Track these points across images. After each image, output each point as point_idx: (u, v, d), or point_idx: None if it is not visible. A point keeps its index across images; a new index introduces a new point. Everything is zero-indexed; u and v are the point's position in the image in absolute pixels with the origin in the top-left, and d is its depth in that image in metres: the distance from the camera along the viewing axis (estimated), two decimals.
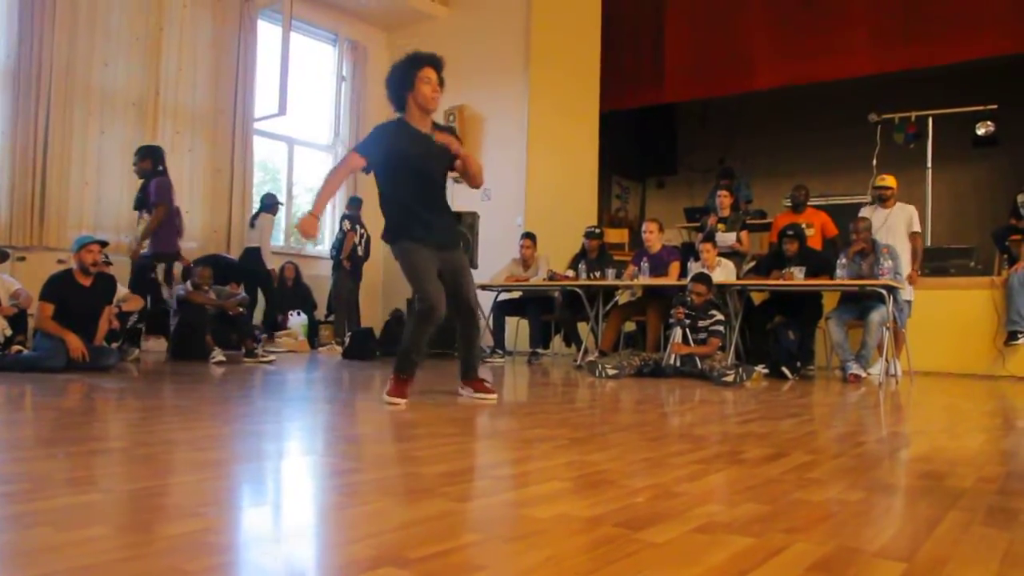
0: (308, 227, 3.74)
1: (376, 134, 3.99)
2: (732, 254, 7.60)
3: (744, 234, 7.90)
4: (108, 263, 6.42)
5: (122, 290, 6.28)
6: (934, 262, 7.89)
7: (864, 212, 7.06)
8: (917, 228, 7.11)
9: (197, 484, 2.02)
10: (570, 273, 7.76)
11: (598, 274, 7.48)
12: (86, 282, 5.68)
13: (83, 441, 2.63)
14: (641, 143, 12.88)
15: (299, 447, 2.78)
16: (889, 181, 7.17)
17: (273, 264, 8.92)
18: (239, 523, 1.72)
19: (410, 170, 3.89)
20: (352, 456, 2.53)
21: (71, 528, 1.54)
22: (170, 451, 2.49)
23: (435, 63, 3.95)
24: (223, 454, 2.48)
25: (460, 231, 4.09)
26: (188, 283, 7.04)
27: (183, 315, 6.85)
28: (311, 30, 10.43)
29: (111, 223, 8.05)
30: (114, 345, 6.01)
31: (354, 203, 9.14)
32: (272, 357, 6.92)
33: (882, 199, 7.11)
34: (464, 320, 4.10)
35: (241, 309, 7.14)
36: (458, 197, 10.17)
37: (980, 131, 8.53)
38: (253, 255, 8.72)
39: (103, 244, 5.85)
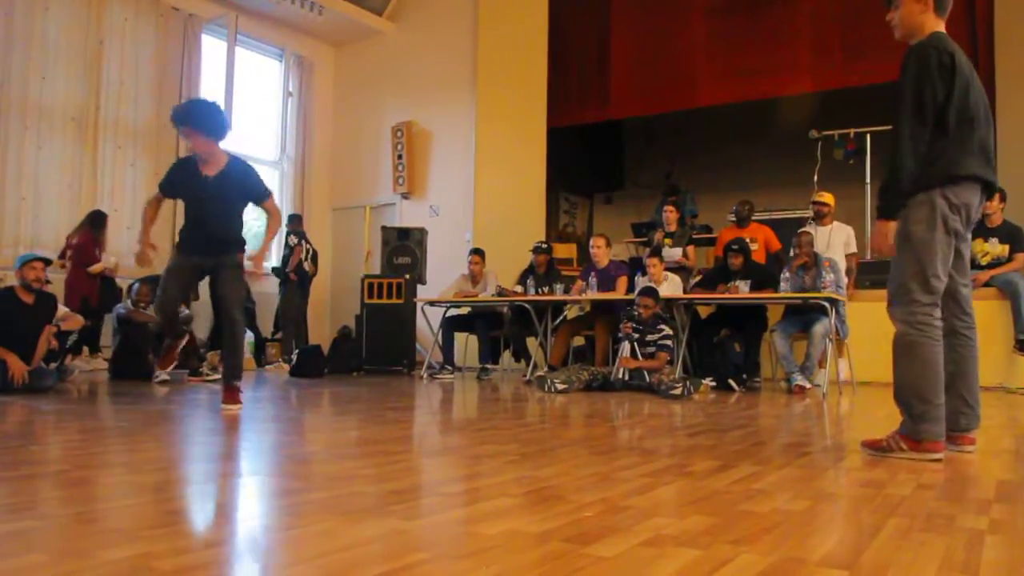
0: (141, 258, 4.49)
1: (171, 170, 4.79)
2: (679, 269, 7.70)
3: (690, 249, 8.01)
4: (47, 281, 6.26)
5: (62, 309, 6.12)
6: (872, 275, 8.07)
7: (805, 229, 7.20)
8: (854, 249, 7.30)
9: (139, 507, 1.98)
10: (519, 288, 7.78)
11: (546, 289, 7.51)
12: (28, 300, 5.55)
13: (20, 465, 2.55)
14: (589, 159, 13.00)
15: (245, 467, 2.73)
16: (826, 198, 7.35)
17: None
18: (183, 547, 1.68)
19: (189, 199, 4.57)
20: (299, 475, 2.50)
21: (7, 556, 1.50)
22: (111, 474, 2.43)
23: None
24: (166, 476, 2.43)
25: (235, 239, 4.53)
26: (128, 301, 6.89)
27: (124, 334, 6.70)
28: (257, 45, 10.33)
29: (49, 240, 7.84)
30: (52, 366, 5.85)
31: (295, 219, 9.06)
32: (217, 376, 6.79)
33: (819, 215, 7.30)
34: (224, 325, 4.39)
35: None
36: (407, 213, 10.20)
37: None
38: None
39: (47, 262, 5.72)
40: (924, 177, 2.86)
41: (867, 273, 8.03)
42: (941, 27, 2.98)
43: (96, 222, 7.61)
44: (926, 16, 2.96)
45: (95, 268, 7.40)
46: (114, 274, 7.67)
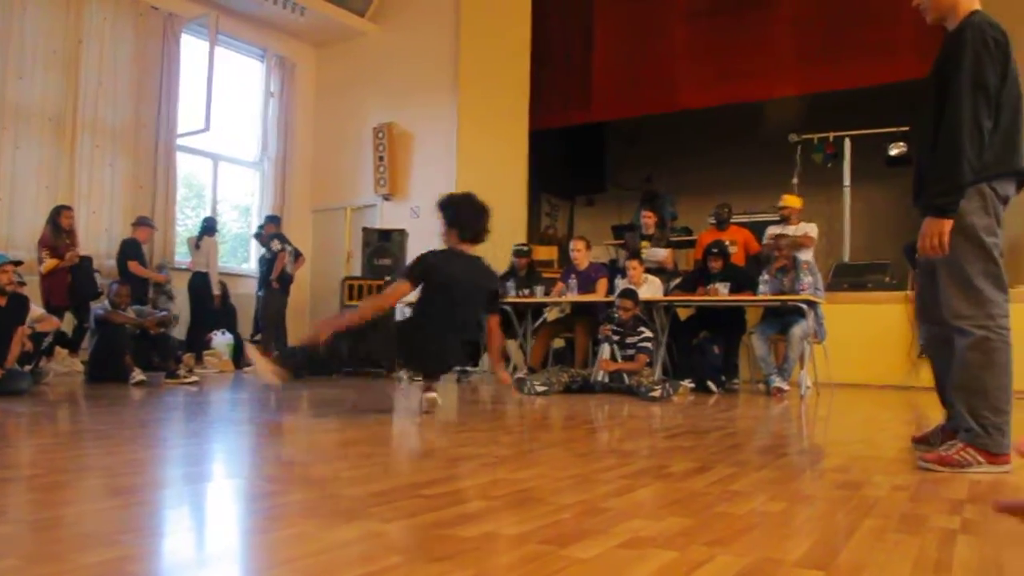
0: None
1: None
2: (659, 271, 7.72)
3: (669, 251, 8.03)
4: (22, 283, 6.18)
5: (36, 310, 6.05)
6: (851, 277, 8.14)
7: (775, 230, 7.24)
8: (814, 236, 7.38)
9: (114, 511, 1.96)
10: None
11: (527, 291, 7.51)
12: (0, 302, 5.47)
13: None
14: (570, 161, 13.00)
15: (221, 470, 2.72)
16: (789, 201, 7.45)
17: (218, 290, 8.62)
18: (159, 550, 1.67)
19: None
20: (276, 478, 2.49)
21: None
22: (86, 478, 2.41)
23: None
24: (142, 479, 2.41)
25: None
26: (107, 301, 6.82)
27: (101, 335, 6.62)
28: (238, 45, 10.27)
29: (25, 241, 7.75)
30: (27, 368, 5.78)
31: (275, 221, 8.99)
32: (195, 378, 6.74)
33: (784, 219, 7.38)
34: None
35: (162, 328, 6.94)
36: (387, 215, 10.17)
37: (893, 151, 8.84)
38: (201, 279, 8.49)
39: (16, 264, 5.65)
40: (977, 168, 2.64)
41: (844, 276, 8.10)
42: (977, 3, 2.78)
43: (50, 219, 7.38)
44: None
45: (44, 268, 7.18)
46: (75, 261, 7.34)
